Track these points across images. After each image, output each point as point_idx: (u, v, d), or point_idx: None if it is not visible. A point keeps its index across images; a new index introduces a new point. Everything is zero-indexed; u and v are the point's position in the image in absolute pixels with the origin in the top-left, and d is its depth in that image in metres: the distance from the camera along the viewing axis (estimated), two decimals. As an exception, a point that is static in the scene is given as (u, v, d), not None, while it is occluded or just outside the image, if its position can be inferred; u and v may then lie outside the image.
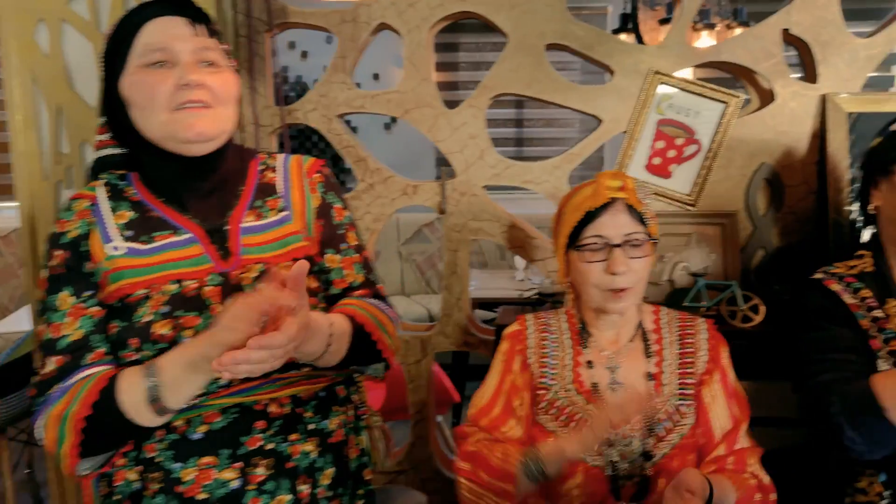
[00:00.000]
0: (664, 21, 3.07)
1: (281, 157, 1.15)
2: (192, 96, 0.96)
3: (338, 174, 4.03)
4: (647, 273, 1.10)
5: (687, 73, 2.99)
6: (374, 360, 1.08)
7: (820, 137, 1.49)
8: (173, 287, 0.97)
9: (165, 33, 0.97)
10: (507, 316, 1.59)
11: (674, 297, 1.50)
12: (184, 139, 0.98)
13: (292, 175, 1.13)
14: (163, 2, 0.98)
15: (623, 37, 3.17)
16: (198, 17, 1.00)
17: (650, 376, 1.12)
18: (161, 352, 0.92)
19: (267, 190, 1.09)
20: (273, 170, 1.12)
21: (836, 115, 1.46)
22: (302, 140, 4.29)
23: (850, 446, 1.01)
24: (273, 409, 1.00)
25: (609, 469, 1.08)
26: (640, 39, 3.07)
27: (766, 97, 1.54)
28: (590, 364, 1.14)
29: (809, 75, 1.51)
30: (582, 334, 1.16)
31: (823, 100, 1.48)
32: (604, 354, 1.14)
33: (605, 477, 1.08)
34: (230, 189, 1.07)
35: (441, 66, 4.59)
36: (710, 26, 3.04)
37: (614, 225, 1.07)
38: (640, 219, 1.09)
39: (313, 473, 1.04)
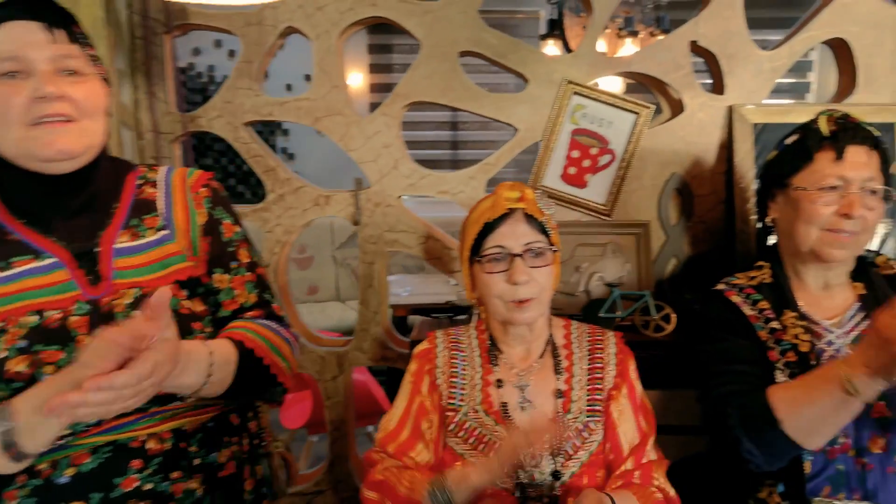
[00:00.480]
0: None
1: (163, 171, 1.07)
2: (51, 110, 0.88)
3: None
4: (551, 282, 1.08)
5: (617, 80, 3.04)
6: (270, 384, 1.02)
7: (727, 148, 1.51)
8: (32, 319, 0.88)
9: (18, 40, 0.88)
10: (424, 330, 1.55)
11: (590, 308, 1.49)
12: (43, 157, 0.89)
13: (175, 190, 1.05)
14: (15, 4, 0.89)
15: (550, 42, 3.20)
16: (56, 20, 0.91)
17: (559, 393, 1.10)
18: (17, 392, 0.83)
19: (145, 207, 1.01)
20: (153, 185, 1.04)
21: (741, 125, 1.48)
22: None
23: (748, 458, 1.02)
24: (152, 445, 0.92)
25: (517, 491, 1.06)
26: (566, 45, 3.09)
27: (677, 108, 1.55)
28: (499, 383, 1.11)
29: (717, 86, 1.53)
30: (491, 352, 1.14)
31: (730, 111, 1.50)
32: (513, 372, 1.11)
33: (514, 499, 1.06)
34: (102, 207, 0.98)
35: (375, 68, 4.53)
36: (634, 34, 3.09)
37: (513, 235, 1.05)
38: (542, 228, 1.07)
39: (203, 510, 0.97)
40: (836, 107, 1.17)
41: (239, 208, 1.50)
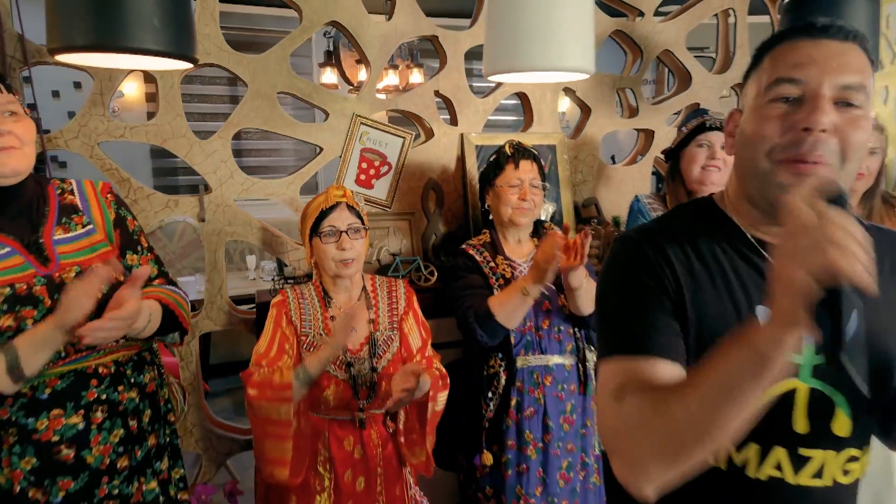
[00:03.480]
0: (360, 61, 3.81)
1: (74, 183, 1.47)
2: (4, 143, 1.26)
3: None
4: (364, 250, 1.72)
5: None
6: (176, 328, 1.50)
7: (462, 160, 2.31)
8: (6, 290, 1.26)
9: None
10: (263, 297, 2.07)
11: (381, 271, 2.17)
12: (1, 175, 1.27)
13: (89, 196, 1.47)
14: None
15: (328, 70, 3.82)
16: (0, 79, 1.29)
17: (371, 321, 1.74)
18: (9, 338, 1.21)
19: (69, 209, 1.41)
20: (71, 193, 1.44)
21: (469, 146, 2.29)
22: None
23: (481, 340, 1.78)
24: (101, 370, 1.36)
25: (350, 381, 1.67)
26: (342, 73, 3.75)
27: (430, 134, 2.31)
28: (332, 318, 1.71)
29: (453, 120, 2.32)
30: (325, 298, 1.73)
31: (462, 137, 2.30)
32: (341, 311, 1.73)
33: (349, 385, 1.67)
34: (38, 210, 1.37)
35: (150, 77, 4.66)
36: (395, 66, 3.87)
37: (340, 218, 1.66)
38: (358, 215, 1.70)
39: (138, 413, 1.43)
40: (515, 137, 1.99)
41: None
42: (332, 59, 3.80)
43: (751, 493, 0.86)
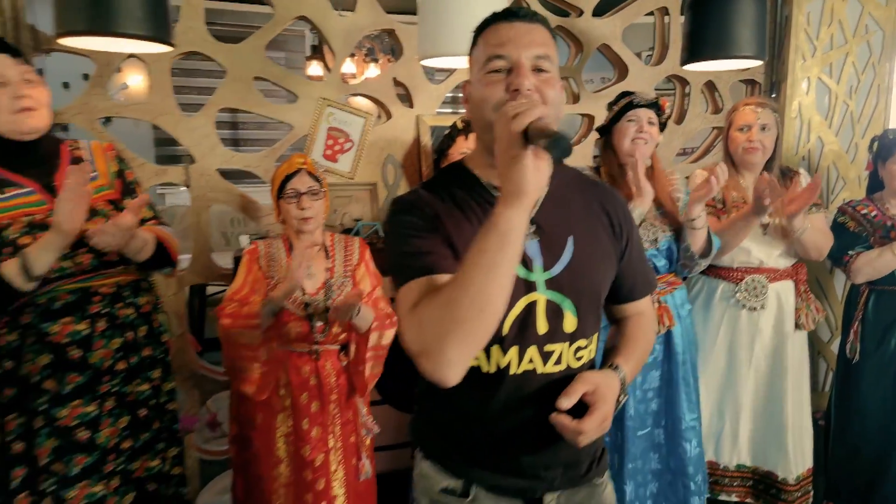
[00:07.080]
0: (342, 54, 4.15)
1: (84, 142, 1.80)
2: (24, 104, 1.59)
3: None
4: (322, 210, 2.03)
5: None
6: (166, 263, 1.82)
7: (417, 139, 2.63)
8: (27, 219, 1.59)
9: None
10: (240, 251, 2.40)
11: (345, 233, 2.49)
12: (22, 131, 1.60)
13: (95, 152, 1.81)
14: None
15: (315, 62, 4.16)
16: (17, 53, 1.62)
17: (328, 269, 2.07)
18: None
19: (78, 161, 1.74)
20: (80, 149, 1.78)
21: (423, 126, 2.62)
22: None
23: None
24: (103, 290, 1.69)
25: (308, 318, 1.99)
26: (327, 65, 4.08)
27: (389, 115, 2.63)
28: None
29: (410, 104, 2.65)
30: (291, 248, 2.05)
31: (417, 118, 2.63)
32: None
33: (306, 322, 1.98)
34: (51, 161, 1.70)
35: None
36: (375, 60, 4.21)
37: (301, 182, 1.98)
38: (316, 179, 2.02)
39: (135, 328, 1.75)
40: (465, 116, 2.32)
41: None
42: (317, 52, 4.14)
43: (512, 386, 1.09)
